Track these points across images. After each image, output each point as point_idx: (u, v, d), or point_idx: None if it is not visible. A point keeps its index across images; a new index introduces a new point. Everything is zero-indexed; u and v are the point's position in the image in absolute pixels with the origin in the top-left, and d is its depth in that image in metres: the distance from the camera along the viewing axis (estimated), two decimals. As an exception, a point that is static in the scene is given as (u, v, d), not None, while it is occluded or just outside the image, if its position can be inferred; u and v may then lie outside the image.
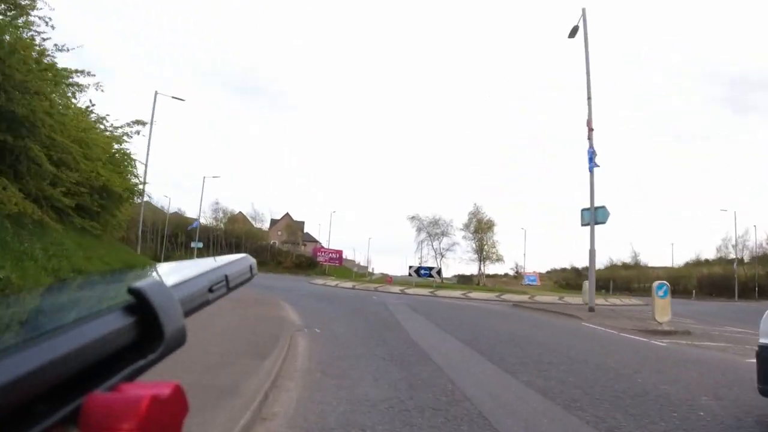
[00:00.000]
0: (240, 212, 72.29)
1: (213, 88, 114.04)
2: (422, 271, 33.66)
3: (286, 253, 67.70)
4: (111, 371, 0.34)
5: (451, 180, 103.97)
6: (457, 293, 29.80)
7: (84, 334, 0.32)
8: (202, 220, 68.13)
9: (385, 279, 35.87)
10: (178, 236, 60.20)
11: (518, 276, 63.77)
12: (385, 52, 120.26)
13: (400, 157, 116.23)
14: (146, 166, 25.73)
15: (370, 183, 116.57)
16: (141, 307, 0.36)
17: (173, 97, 26.58)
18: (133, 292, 0.36)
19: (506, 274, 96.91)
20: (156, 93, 25.54)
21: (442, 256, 48.24)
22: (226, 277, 0.48)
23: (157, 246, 58.39)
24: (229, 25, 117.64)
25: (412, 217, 49.14)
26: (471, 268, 56.17)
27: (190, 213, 67.10)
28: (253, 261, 0.55)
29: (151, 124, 25.80)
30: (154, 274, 0.50)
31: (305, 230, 79.64)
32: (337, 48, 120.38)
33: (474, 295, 29.40)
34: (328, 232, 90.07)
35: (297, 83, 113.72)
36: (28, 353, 0.29)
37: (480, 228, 49.23)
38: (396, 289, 30.68)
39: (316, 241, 77.80)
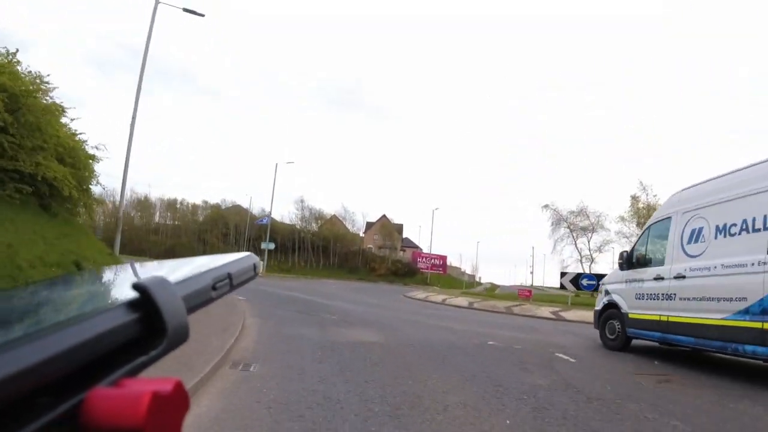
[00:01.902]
0: (333, 215, 63.35)
1: (313, 100, 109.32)
2: (585, 281, 20.46)
3: (381, 258, 57.03)
4: (113, 366, 0.33)
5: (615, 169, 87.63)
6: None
7: (88, 329, 0.31)
8: (287, 221, 60.18)
9: (520, 293, 23.02)
10: (261, 238, 52.93)
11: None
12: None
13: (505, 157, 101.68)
14: (134, 117, 16.10)
15: (473, 187, 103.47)
16: (144, 303, 0.35)
17: (186, 10, 16.61)
18: (137, 287, 0.36)
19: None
20: (157, 2, 15.79)
21: (592, 260, 34.07)
22: (230, 275, 0.46)
23: (240, 249, 51.08)
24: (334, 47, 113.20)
25: (546, 206, 35.21)
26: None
27: (276, 214, 59.45)
28: (257, 260, 0.52)
29: (147, 43, 16.11)
30: (159, 270, 0.47)
31: (404, 235, 68.82)
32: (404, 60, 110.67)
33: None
34: (430, 237, 78.01)
35: (384, 94, 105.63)
36: (32, 346, 0.28)
37: (648, 218, 33.94)
38: (544, 311, 17.94)
39: (416, 247, 66.60)
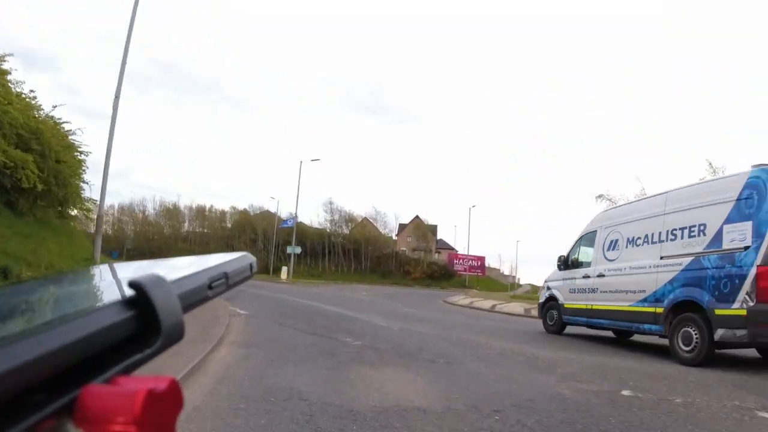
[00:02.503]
0: (364, 218, 60.37)
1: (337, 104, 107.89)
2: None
3: (415, 261, 53.62)
4: (108, 364, 0.33)
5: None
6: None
7: (83, 326, 0.31)
8: (316, 225, 57.58)
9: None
10: (290, 244, 50.27)
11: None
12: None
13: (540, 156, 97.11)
14: (116, 97, 13.40)
15: (507, 185, 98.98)
16: (140, 300, 0.35)
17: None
18: (133, 285, 0.35)
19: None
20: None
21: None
22: (226, 274, 0.45)
23: (270, 256, 48.30)
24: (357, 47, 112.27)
25: (600, 197, 30.97)
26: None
27: (305, 219, 56.88)
28: (253, 259, 0.51)
29: (134, 11, 13.41)
30: (155, 268, 0.46)
31: (438, 236, 65.04)
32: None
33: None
34: (468, 236, 74.04)
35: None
36: (26, 343, 0.28)
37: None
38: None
39: (451, 248, 62.78)
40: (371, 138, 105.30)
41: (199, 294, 0.41)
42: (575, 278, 8.87)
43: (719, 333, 5.77)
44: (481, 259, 53.69)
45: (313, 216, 76.83)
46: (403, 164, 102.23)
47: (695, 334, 6.09)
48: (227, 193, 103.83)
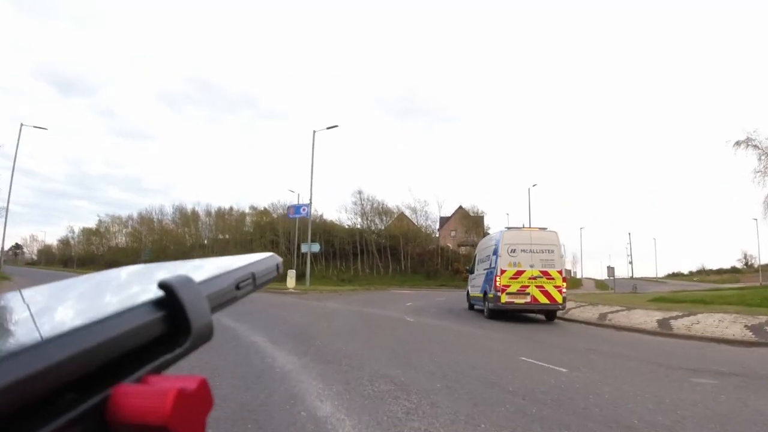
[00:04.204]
0: (401, 213, 51.62)
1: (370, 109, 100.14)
2: None
3: (465, 257, 44.35)
4: (139, 363, 0.33)
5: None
6: None
7: (114, 326, 0.31)
8: (347, 221, 49.24)
9: None
10: (313, 241, 42.21)
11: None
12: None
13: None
14: None
15: (552, 172, 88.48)
16: (169, 301, 0.35)
17: None
18: (162, 286, 0.36)
19: (734, 268, 66.99)
20: None
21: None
22: (253, 275, 0.46)
23: (293, 258, 40.20)
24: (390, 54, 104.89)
25: (741, 143, 21.45)
26: None
27: (333, 216, 48.60)
28: (279, 260, 0.52)
29: None
30: (184, 269, 0.47)
31: (485, 228, 55.51)
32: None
33: None
34: (528, 221, 63.50)
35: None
36: (58, 343, 0.28)
37: None
38: None
39: (500, 241, 53.15)
40: (405, 138, 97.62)
41: (227, 294, 0.41)
42: (470, 279, 15.49)
43: (488, 305, 12.06)
44: (543, 250, 43.97)
45: (343, 215, 68.71)
46: (441, 159, 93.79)
47: (487, 304, 12.18)
48: (254, 199, 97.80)
